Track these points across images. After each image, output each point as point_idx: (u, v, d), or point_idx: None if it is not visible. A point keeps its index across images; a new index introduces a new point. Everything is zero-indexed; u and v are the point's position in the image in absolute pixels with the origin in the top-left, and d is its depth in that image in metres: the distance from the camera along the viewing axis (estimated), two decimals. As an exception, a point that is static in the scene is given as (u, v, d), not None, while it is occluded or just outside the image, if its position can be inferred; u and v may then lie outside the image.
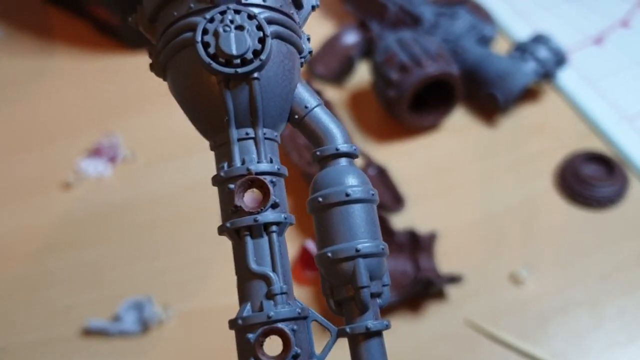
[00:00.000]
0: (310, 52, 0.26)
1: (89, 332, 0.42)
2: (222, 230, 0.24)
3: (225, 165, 0.24)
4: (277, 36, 0.24)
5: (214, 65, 0.23)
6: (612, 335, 0.41)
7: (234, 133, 0.24)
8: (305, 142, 0.49)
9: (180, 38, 0.23)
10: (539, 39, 0.53)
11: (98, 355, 0.41)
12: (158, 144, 0.53)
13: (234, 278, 0.45)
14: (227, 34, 0.22)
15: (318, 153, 0.25)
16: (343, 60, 0.56)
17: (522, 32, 0.59)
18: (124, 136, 0.54)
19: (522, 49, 0.53)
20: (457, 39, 0.54)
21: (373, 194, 0.24)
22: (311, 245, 0.44)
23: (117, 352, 0.41)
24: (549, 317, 0.41)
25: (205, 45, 0.23)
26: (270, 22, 0.23)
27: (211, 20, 0.23)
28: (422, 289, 0.41)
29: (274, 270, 0.23)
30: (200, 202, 0.49)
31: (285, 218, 0.23)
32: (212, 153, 0.56)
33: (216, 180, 0.24)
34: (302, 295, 0.43)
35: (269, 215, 0.23)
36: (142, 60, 0.60)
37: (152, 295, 0.42)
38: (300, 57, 0.25)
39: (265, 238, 0.23)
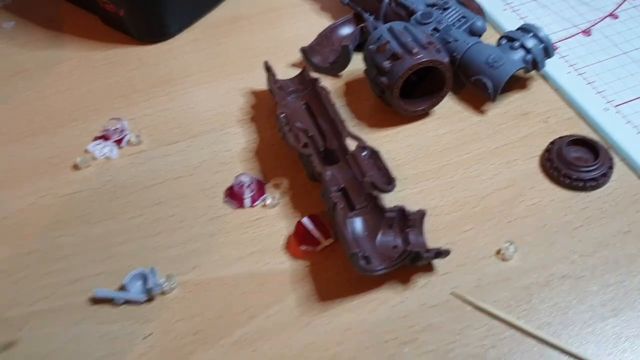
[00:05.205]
0: None
1: (96, 301, 0.44)
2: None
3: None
4: None
5: None
6: (594, 309, 0.42)
7: None
8: (302, 125, 0.51)
9: None
10: (528, 29, 0.55)
11: (105, 321, 0.43)
12: (161, 129, 0.56)
13: (231, 252, 0.48)
14: None
15: None
16: (339, 51, 0.58)
17: (512, 24, 0.61)
18: (129, 121, 0.56)
19: (510, 39, 0.55)
20: (448, 29, 0.56)
21: None
22: (307, 221, 0.46)
23: (124, 318, 0.43)
24: (533, 291, 0.43)
25: None
26: None
27: None
28: (410, 262, 0.43)
29: None
30: (200, 183, 0.51)
31: None
32: (210, 137, 0.59)
33: None
34: (298, 267, 0.45)
35: None
36: (146, 51, 0.63)
37: (155, 267, 0.45)
38: None
39: None
